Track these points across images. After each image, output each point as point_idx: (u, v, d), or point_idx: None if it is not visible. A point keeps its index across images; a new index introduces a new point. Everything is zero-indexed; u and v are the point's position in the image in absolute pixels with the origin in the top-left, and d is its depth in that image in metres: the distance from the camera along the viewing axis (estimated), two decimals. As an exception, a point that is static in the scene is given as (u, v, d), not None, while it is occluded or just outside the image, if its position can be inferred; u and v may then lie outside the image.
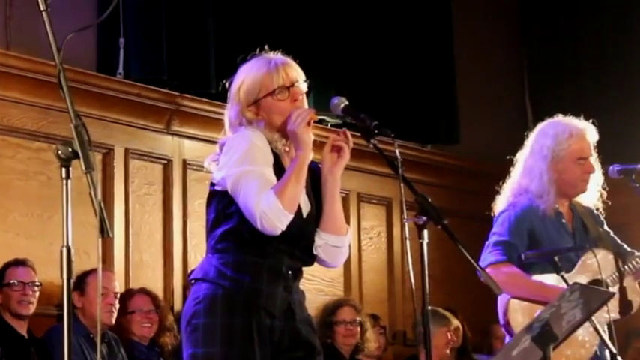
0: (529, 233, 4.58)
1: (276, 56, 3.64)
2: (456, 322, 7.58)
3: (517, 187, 4.67)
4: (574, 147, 4.57)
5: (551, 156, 4.58)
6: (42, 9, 2.87)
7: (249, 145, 3.49)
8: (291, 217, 3.43)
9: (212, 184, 3.58)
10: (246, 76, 3.60)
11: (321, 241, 3.63)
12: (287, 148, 3.59)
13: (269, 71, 3.57)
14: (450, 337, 7.42)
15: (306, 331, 3.60)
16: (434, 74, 8.69)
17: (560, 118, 4.70)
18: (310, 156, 3.51)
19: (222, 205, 3.53)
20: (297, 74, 3.61)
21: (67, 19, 4.52)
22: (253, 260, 3.51)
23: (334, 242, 3.65)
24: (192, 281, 3.61)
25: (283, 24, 7.29)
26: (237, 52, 3.73)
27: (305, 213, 3.58)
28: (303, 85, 3.62)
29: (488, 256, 4.58)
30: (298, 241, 3.57)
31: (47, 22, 2.84)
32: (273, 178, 3.48)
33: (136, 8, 6.73)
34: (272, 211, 3.39)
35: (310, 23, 7.51)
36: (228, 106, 3.67)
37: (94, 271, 5.90)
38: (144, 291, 6.34)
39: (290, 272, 3.57)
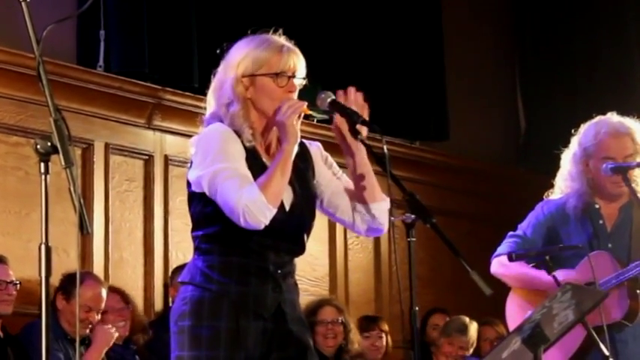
0: (549, 229, 4.58)
1: (288, 42, 3.55)
2: (470, 336, 7.38)
3: (555, 185, 4.68)
4: (601, 145, 4.51)
5: (582, 153, 4.56)
6: (21, -1, 2.81)
7: (221, 142, 3.42)
8: (275, 211, 3.35)
9: (188, 184, 3.51)
10: (253, 49, 3.50)
11: (367, 216, 3.53)
12: (256, 140, 3.49)
13: (280, 52, 3.49)
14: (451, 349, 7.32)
15: (297, 330, 3.52)
16: (423, 69, 8.65)
17: (605, 116, 4.63)
18: (296, 149, 3.41)
19: (201, 206, 3.46)
20: (300, 67, 3.53)
21: (47, 10, 4.46)
22: (239, 261, 3.44)
23: (375, 209, 3.53)
24: (180, 284, 3.54)
25: (268, 18, 7.21)
26: (221, 46, 3.65)
27: (288, 205, 3.49)
28: (300, 82, 3.54)
29: (500, 247, 4.62)
30: (283, 235, 3.48)
31: (26, 13, 2.80)
32: (248, 172, 3.40)
33: (117, 0, 6.66)
34: (256, 206, 3.30)
35: (296, 17, 7.45)
36: (218, 75, 3.55)
37: (86, 278, 5.77)
38: (112, 289, 6.19)
39: (279, 271, 3.49)
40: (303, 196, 3.54)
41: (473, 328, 7.28)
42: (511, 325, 4.63)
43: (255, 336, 3.43)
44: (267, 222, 3.33)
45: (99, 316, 5.86)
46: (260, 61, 3.48)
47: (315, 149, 3.65)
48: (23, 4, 2.80)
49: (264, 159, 3.51)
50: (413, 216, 3.55)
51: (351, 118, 3.57)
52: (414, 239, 3.63)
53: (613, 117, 4.60)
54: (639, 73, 9.13)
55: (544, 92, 9.16)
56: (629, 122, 4.57)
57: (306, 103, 3.44)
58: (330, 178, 3.62)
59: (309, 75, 3.60)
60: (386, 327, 7.38)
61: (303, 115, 3.44)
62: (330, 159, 3.68)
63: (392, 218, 3.60)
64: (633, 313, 4.42)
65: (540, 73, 9.46)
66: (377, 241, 8.18)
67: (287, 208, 3.49)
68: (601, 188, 4.56)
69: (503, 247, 4.61)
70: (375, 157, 3.50)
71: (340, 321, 6.98)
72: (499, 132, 8.70)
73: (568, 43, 9.37)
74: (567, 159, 4.63)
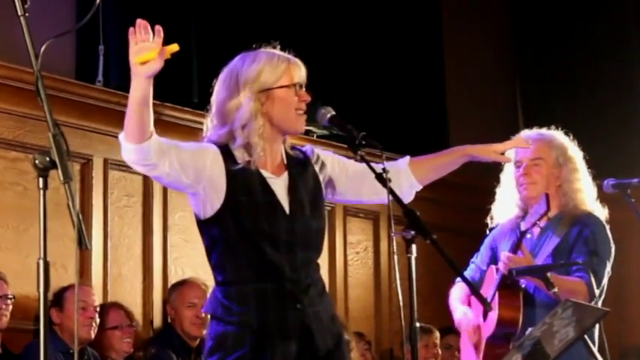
0: (492, 250, 4.68)
1: (287, 54, 3.60)
2: (436, 335, 7.55)
3: None
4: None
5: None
6: (20, 14, 2.81)
7: (194, 145, 3.49)
8: (135, 145, 3.32)
9: (196, 216, 3.55)
10: (260, 63, 3.53)
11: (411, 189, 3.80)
12: (262, 153, 3.51)
13: (290, 64, 3.55)
14: (427, 351, 7.40)
15: (326, 342, 3.52)
16: (423, 84, 8.65)
17: None
18: (141, 85, 3.32)
19: (207, 234, 3.49)
20: (305, 78, 3.59)
21: (46, 24, 4.45)
22: (255, 287, 3.45)
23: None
24: (209, 316, 3.61)
25: (268, 34, 7.19)
26: (220, 61, 3.67)
27: (288, 210, 3.51)
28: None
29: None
30: (293, 244, 3.49)
31: (25, 27, 2.79)
32: (185, 158, 3.39)
33: (116, 14, 6.66)
34: (122, 149, 3.35)
35: (297, 33, 7.45)
36: (219, 93, 3.57)
37: (72, 286, 5.85)
38: (118, 305, 6.27)
39: (297, 287, 3.48)
40: (304, 200, 3.56)
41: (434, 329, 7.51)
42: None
43: (283, 358, 3.44)
44: (132, 158, 3.33)
45: (97, 317, 5.88)
46: (274, 75, 3.52)
47: (310, 152, 3.69)
48: (22, 18, 2.79)
49: (267, 173, 3.52)
50: (413, 232, 3.53)
51: (351, 133, 3.58)
52: (414, 255, 3.61)
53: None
54: (639, 78, 9.11)
55: (545, 109, 9.16)
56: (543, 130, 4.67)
57: (155, 47, 3.28)
58: (339, 170, 3.70)
59: (307, 90, 3.62)
60: (370, 339, 7.56)
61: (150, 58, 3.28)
62: (324, 153, 3.73)
63: (392, 234, 3.59)
64: (509, 322, 4.40)
65: (541, 90, 9.46)
66: (377, 257, 8.16)
67: (287, 212, 3.50)
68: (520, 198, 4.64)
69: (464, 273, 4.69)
70: (375, 172, 3.50)
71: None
72: (499, 148, 8.67)
73: (569, 61, 9.37)
74: None
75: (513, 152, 4.61)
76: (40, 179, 2.69)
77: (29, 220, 6.10)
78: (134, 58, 3.24)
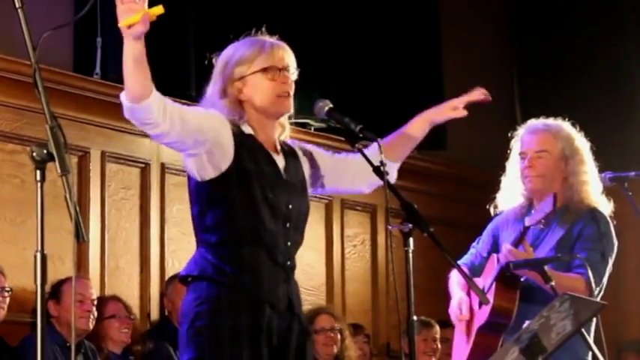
0: (494, 237, 4.63)
1: (272, 39, 3.63)
2: (436, 329, 7.51)
3: None
4: (518, 142, 4.61)
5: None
6: (17, 6, 2.81)
7: (203, 110, 3.51)
8: (137, 104, 3.36)
9: (191, 179, 3.54)
10: (238, 51, 3.58)
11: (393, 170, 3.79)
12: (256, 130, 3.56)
13: (263, 49, 3.56)
14: (426, 345, 7.38)
15: (303, 323, 3.61)
16: (421, 77, 8.63)
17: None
18: (131, 45, 3.34)
19: (205, 194, 3.48)
20: (290, 60, 3.60)
21: (43, 17, 4.44)
22: (251, 251, 3.45)
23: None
24: (189, 279, 3.51)
25: (265, 26, 7.21)
26: (210, 56, 3.70)
27: (287, 189, 3.56)
28: (294, 74, 3.59)
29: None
30: (289, 219, 3.54)
31: (23, 19, 2.78)
32: (190, 119, 3.41)
33: (113, 7, 6.56)
34: (124, 108, 3.39)
35: (293, 25, 7.44)
36: (209, 86, 3.62)
37: (69, 279, 5.86)
38: (116, 298, 6.29)
39: (288, 262, 3.53)
40: (297, 183, 3.61)
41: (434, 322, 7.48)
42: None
43: (271, 331, 3.45)
44: (132, 116, 3.38)
45: (94, 310, 5.89)
46: (247, 61, 3.55)
47: (297, 146, 3.73)
48: (20, 10, 2.79)
49: (270, 151, 3.57)
50: (410, 225, 3.53)
51: (348, 126, 3.59)
52: (411, 248, 3.61)
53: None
54: (638, 75, 9.11)
55: (542, 102, 9.14)
56: (549, 121, 4.62)
57: (139, 9, 3.25)
58: (324, 162, 3.75)
59: (305, 83, 3.62)
60: (368, 332, 7.57)
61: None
62: (309, 146, 3.79)
63: (389, 227, 3.60)
64: (503, 313, 4.40)
65: (539, 83, 9.44)
66: (374, 251, 8.15)
67: (287, 188, 3.55)
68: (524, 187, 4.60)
69: (464, 258, 4.67)
70: (373, 166, 3.51)
71: (337, 328, 7.02)
72: (497, 141, 8.66)
73: (567, 56, 9.35)
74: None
75: (519, 143, 4.58)
76: (38, 172, 2.69)
77: (26, 213, 6.10)
78: (120, 22, 3.26)
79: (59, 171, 2.64)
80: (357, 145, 3.59)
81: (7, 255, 5.97)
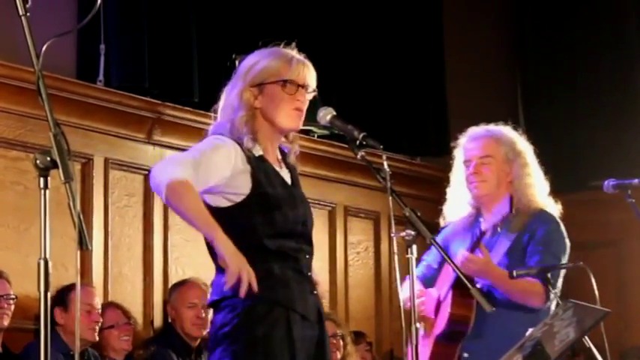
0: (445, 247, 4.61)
1: (299, 55, 3.64)
2: None
3: None
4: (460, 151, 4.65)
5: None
6: (21, 13, 2.80)
7: (210, 147, 3.47)
8: (165, 198, 3.32)
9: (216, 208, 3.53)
10: (263, 59, 3.59)
11: None
12: (261, 147, 3.55)
13: (289, 62, 3.57)
14: None
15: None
16: (424, 84, 8.64)
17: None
18: (221, 241, 3.32)
19: (224, 221, 3.41)
20: (311, 80, 3.61)
21: (47, 24, 4.43)
22: (280, 267, 3.49)
23: None
24: (222, 301, 3.51)
25: (268, 33, 7.20)
26: (221, 61, 3.70)
27: (299, 207, 3.59)
28: (311, 94, 3.61)
29: None
30: (305, 235, 3.58)
31: (26, 27, 2.78)
32: (210, 175, 3.40)
33: (117, 14, 6.65)
34: (165, 181, 3.30)
35: (297, 33, 7.41)
36: (228, 87, 3.62)
37: (74, 286, 5.79)
38: (115, 304, 6.25)
39: (310, 274, 3.60)
40: (304, 199, 3.65)
41: None
42: None
43: (306, 341, 3.50)
44: (156, 191, 3.36)
45: (100, 319, 5.89)
46: (269, 70, 3.56)
47: (287, 150, 3.72)
48: (23, 18, 2.78)
49: (275, 166, 3.58)
50: (413, 232, 3.54)
51: (351, 134, 3.60)
52: (414, 256, 3.62)
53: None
54: (638, 66, 9.10)
55: (546, 109, 9.14)
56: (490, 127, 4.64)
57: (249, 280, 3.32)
58: None
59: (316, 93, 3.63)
60: (371, 340, 7.54)
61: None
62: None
63: (392, 234, 3.61)
64: (461, 320, 4.39)
65: (542, 90, 9.44)
66: (377, 258, 8.15)
67: (299, 207, 3.57)
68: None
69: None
70: (376, 172, 3.52)
71: (339, 334, 7.02)
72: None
73: (570, 62, 9.35)
74: None
75: (462, 151, 4.60)
76: (41, 179, 2.68)
77: (30, 220, 6.09)
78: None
79: (62, 178, 2.63)
80: (360, 153, 3.60)
81: (11, 262, 5.96)
